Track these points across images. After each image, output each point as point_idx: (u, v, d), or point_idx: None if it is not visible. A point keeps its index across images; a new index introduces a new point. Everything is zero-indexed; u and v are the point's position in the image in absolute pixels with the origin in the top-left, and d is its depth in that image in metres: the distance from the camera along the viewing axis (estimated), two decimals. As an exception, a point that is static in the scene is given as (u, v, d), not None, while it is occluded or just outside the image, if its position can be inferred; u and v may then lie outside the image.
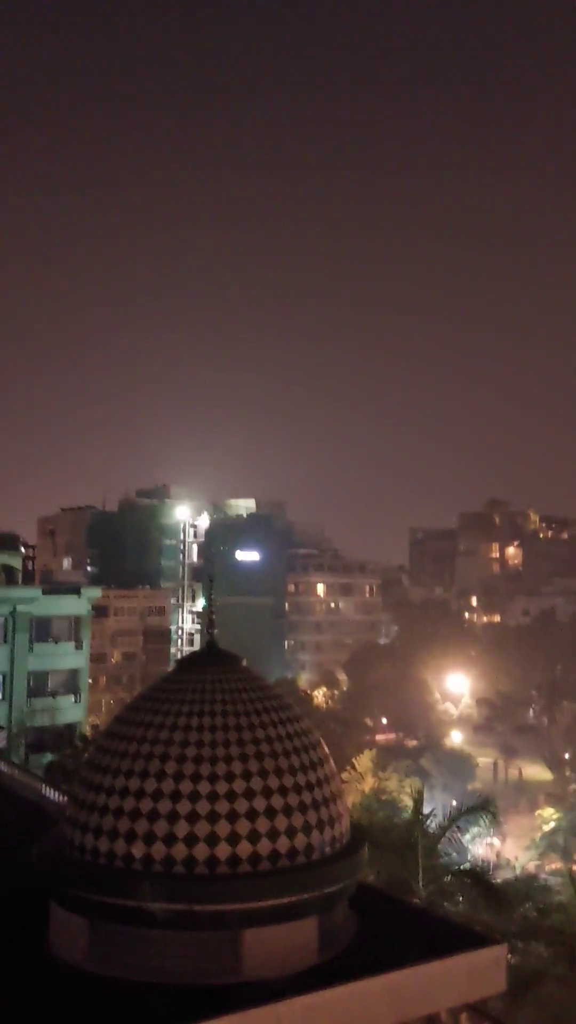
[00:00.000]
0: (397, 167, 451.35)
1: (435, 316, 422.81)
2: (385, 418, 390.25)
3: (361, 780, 61.58)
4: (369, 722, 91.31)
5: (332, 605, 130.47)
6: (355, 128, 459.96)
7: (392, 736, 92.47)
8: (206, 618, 20.20)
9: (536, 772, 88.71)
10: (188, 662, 19.59)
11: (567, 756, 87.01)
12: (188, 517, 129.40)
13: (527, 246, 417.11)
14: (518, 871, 53.25)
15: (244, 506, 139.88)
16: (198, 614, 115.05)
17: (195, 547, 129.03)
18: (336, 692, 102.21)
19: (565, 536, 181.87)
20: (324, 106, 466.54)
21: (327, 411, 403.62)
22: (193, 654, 20.08)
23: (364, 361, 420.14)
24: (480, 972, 18.76)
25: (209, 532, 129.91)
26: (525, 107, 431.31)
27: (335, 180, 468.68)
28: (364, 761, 64.60)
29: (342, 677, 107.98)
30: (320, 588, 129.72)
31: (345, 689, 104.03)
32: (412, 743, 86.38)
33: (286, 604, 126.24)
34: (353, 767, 62.50)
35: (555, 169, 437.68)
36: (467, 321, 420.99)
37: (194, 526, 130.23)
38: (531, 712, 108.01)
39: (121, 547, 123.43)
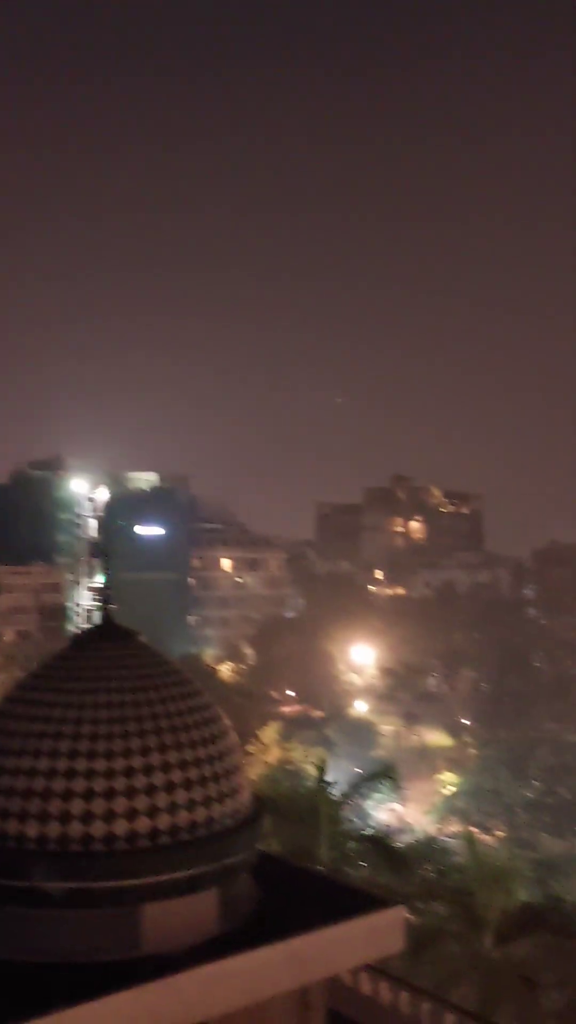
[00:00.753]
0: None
1: (336, 287, 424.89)
2: (290, 392, 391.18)
3: (266, 752, 62.15)
4: (275, 695, 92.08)
5: (238, 580, 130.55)
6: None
7: (298, 708, 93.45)
8: (103, 594, 19.85)
9: (437, 738, 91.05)
10: (82, 639, 19.27)
11: (466, 722, 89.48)
12: (85, 490, 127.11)
13: (438, 210, 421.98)
14: (419, 834, 54.67)
15: (146, 479, 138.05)
16: (97, 590, 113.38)
17: (94, 522, 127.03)
18: (242, 666, 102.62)
19: (466, 511, 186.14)
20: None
21: (232, 384, 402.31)
22: (88, 630, 19.71)
23: (267, 334, 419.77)
24: (380, 933, 19.14)
25: (109, 506, 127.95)
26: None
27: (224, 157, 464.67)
28: (269, 733, 65.23)
29: (248, 651, 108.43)
30: (226, 563, 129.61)
31: (251, 663, 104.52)
32: (318, 714, 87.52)
33: (190, 579, 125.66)
34: (258, 739, 62.99)
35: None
36: (369, 292, 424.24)
37: (92, 500, 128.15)
38: (432, 680, 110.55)
39: (13, 521, 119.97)
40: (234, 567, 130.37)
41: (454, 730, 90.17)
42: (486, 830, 59.58)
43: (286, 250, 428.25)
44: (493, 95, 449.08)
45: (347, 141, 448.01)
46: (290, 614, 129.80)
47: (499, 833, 59.69)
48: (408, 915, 28.63)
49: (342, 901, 19.42)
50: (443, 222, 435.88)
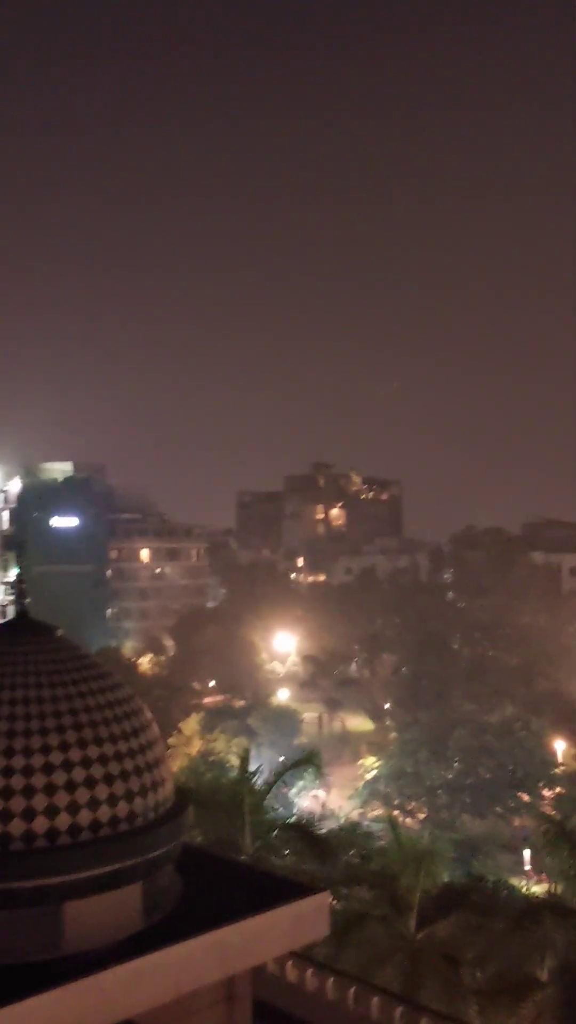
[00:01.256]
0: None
1: (255, 275, 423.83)
2: (209, 379, 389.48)
3: (188, 744, 61.91)
4: (197, 686, 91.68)
5: (157, 571, 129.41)
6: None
7: (220, 698, 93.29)
8: (17, 588, 19.38)
9: (359, 723, 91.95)
10: (-2, 634, 18.81)
11: (387, 706, 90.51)
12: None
13: (350, 198, 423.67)
14: (342, 820, 55.14)
15: (60, 469, 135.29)
16: (10, 584, 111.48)
17: (5, 514, 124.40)
18: (163, 658, 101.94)
19: (385, 497, 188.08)
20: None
21: (147, 371, 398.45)
22: (2, 626, 19.23)
23: (183, 321, 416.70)
24: (304, 920, 19.20)
25: (21, 497, 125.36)
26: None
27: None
28: (191, 725, 64.96)
29: (169, 643, 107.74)
30: (144, 553, 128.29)
31: (172, 654, 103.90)
32: (240, 703, 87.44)
33: (108, 571, 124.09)
34: (180, 731, 62.69)
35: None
36: (288, 280, 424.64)
37: (4, 491, 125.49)
38: (353, 666, 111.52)
39: None
40: (153, 558, 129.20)
41: (375, 714, 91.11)
42: (408, 813, 60.41)
43: (204, 240, 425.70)
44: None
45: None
46: (211, 604, 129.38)
47: (420, 815, 60.58)
48: (333, 901, 28.89)
49: (266, 890, 19.42)
50: (353, 206, 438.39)
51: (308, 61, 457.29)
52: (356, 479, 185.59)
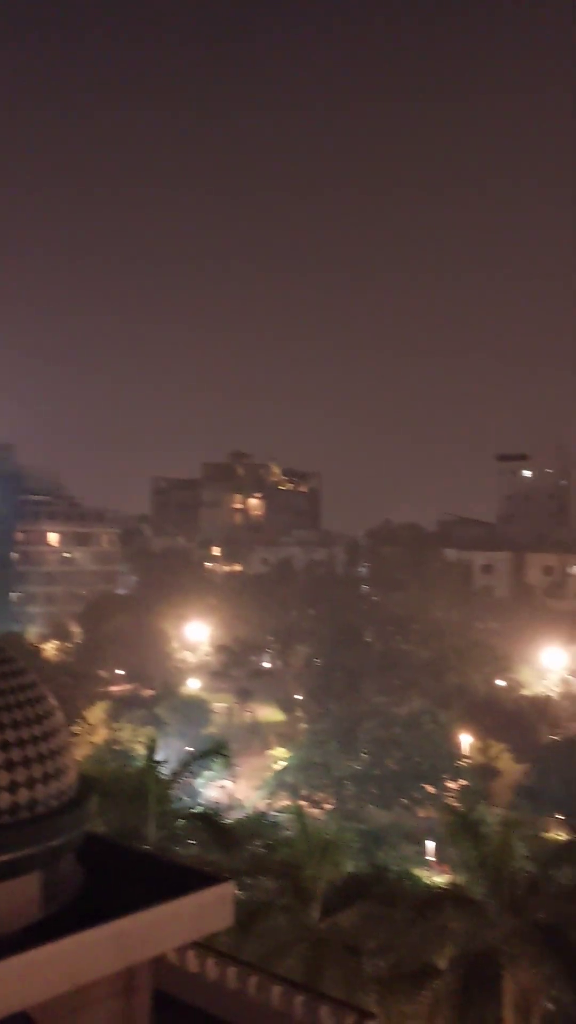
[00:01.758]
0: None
1: (174, 262, 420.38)
2: (126, 363, 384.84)
3: (93, 732, 61.11)
4: (104, 674, 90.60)
5: (66, 555, 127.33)
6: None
7: (128, 687, 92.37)
8: None
9: (270, 714, 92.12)
10: None
11: (299, 697, 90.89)
12: None
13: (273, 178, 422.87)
14: (249, 810, 55.18)
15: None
16: None
17: None
18: (69, 645, 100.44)
19: (304, 489, 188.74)
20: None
21: (62, 350, 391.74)
22: None
23: (100, 305, 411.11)
24: (207, 910, 19.01)
25: None
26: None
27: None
28: (96, 713, 64.16)
29: (76, 629, 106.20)
30: (53, 537, 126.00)
31: (79, 641, 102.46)
32: (148, 693, 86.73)
33: (13, 554, 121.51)
34: (85, 720, 61.83)
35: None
36: (208, 267, 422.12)
37: None
38: (266, 657, 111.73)
39: None
40: (62, 541, 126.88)
41: (287, 705, 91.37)
42: (315, 803, 60.76)
43: (122, 225, 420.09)
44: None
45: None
46: (121, 591, 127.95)
47: (327, 806, 61.00)
48: (237, 891, 28.74)
49: (169, 879, 19.17)
50: (265, 193, 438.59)
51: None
52: (275, 470, 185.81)
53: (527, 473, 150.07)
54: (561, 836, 41.70)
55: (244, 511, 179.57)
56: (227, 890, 19.81)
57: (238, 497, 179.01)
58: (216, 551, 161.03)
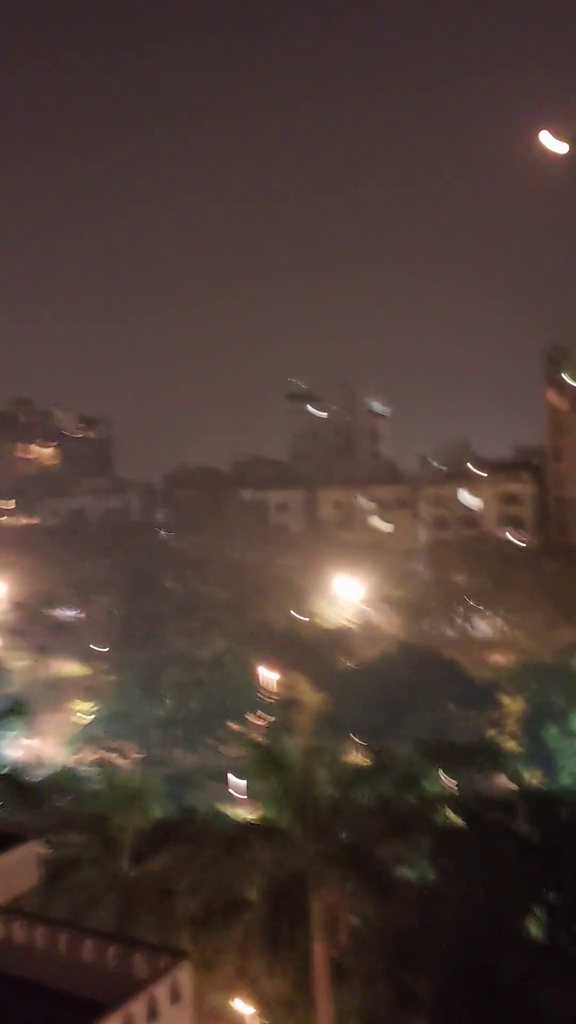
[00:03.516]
0: None
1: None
2: None
3: None
4: None
5: None
6: None
7: None
8: None
9: (72, 668, 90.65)
10: None
11: (100, 649, 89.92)
12: None
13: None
14: (54, 767, 54.37)
15: None
16: None
17: None
18: None
19: (93, 435, 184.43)
20: None
21: None
22: None
23: None
24: (11, 872, 18.69)
25: None
26: None
27: None
28: None
29: None
30: None
31: None
32: None
33: None
34: None
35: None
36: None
37: None
38: (65, 610, 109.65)
39: None
40: None
41: (88, 658, 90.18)
42: (121, 754, 60.61)
43: None
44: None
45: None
46: None
47: (135, 755, 61.00)
48: (44, 849, 28.30)
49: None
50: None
51: None
52: (63, 416, 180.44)
53: (315, 411, 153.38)
54: (359, 759, 43.63)
55: (31, 460, 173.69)
56: (31, 850, 19.50)
57: (23, 446, 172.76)
58: (9, 504, 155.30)
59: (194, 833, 31.48)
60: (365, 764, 32.65)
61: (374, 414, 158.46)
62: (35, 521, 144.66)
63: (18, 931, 20.52)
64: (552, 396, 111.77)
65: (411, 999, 26.11)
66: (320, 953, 26.36)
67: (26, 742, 64.23)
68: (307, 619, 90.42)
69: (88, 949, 19.92)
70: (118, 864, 27.94)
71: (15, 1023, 18.37)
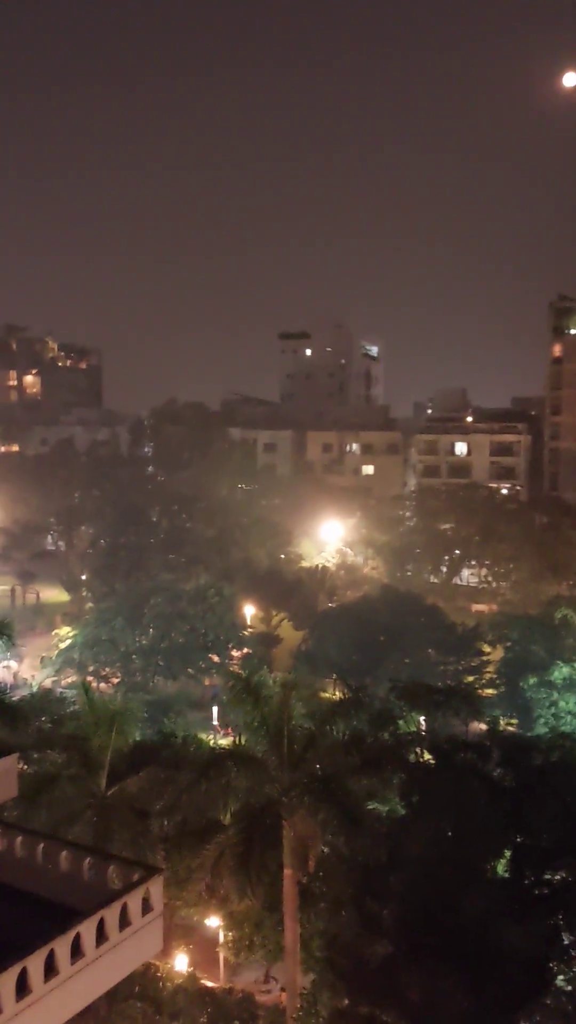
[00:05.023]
0: None
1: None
2: None
3: None
4: None
5: None
6: None
7: None
8: None
9: (54, 595, 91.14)
10: None
11: (84, 577, 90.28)
12: None
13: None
14: (35, 689, 54.98)
15: None
16: None
17: None
18: None
19: (84, 365, 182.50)
20: None
21: None
22: None
23: None
24: (-9, 785, 18.96)
25: None
26: None
27: None
28: None
29: None
30: None
31: None
32: None
33: None
34: None
35: None
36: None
37: None
38: (50, 538, 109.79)
39: None
40: None
41: (72, 586, 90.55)
42: (103, 679, 61.28)
43: None
44: None
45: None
46: None
47: (115, 680, 61.65)
48: (23, 765, 28.75)
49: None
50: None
51: None
52: (52, 345, 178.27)
53: (308, 352, 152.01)
54: (336, 695, 44.23)
55: (19, 388, 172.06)
56: (10, 763, 19.81)
57: (12, 374, 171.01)
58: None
59: (171, 757, 32.03)
60: (341, 700, 33.07)
61: (369, 357, 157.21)
62: (16, 448, 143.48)
63: (-2, 839, 20.98)
64: (556, 347, 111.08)
65: (375, 925, 26.83)
66: (290, 877, 27.05)
67: (7, 663, 64.89)
68: (291, 558, 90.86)
69: (65, 859, 20.41)
70: (96, 783, 28.46)
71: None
